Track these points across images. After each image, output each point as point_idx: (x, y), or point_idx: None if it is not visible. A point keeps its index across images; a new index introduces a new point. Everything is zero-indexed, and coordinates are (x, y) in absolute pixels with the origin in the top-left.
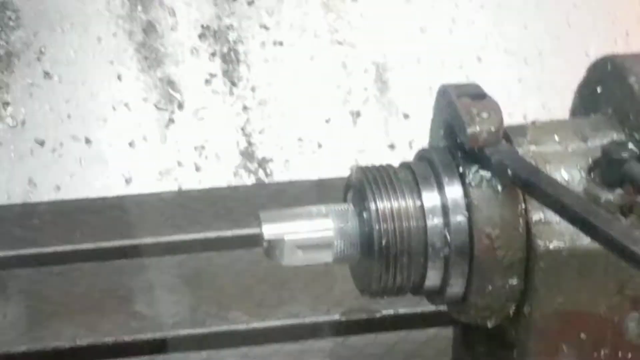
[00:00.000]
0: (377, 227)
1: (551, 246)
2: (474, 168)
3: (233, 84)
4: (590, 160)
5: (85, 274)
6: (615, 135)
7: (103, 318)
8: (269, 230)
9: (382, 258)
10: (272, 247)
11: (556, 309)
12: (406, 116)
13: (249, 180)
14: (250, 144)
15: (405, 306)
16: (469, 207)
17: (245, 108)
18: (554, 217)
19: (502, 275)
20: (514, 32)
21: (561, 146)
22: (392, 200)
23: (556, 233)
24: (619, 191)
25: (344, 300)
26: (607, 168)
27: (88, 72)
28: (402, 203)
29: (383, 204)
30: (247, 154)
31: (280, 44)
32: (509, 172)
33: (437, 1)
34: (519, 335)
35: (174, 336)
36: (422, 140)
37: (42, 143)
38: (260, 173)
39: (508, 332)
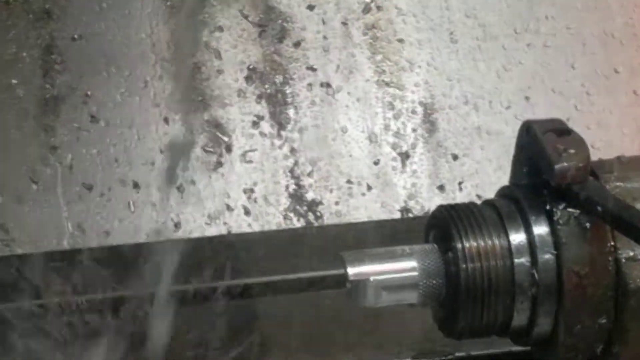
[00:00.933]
0: (463, 266)
1: None
2: (562, 205)
3: (281, 126)
4: None
5: None
6: None
7: None
8: (353, 271)
9: (469, 298)
10: (356, 289)
11: None
12: (455, 157)
13: (298, 223)
14: (299, 186)
15: (477, 349)
16: (557, 244)
17: (293, 150)
18: None
19: (591, 314)
20: (561, 71)
21: None
22: (479, 239)
23: None
24: None
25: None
26: None
27: (135, 115)
28: (489, 242)
29: (469, 243)
30: (297, 197)
31: (328, 85)
32: (599, 208)
33: (483, 42)
34: None
35: None
36: (472, 181)
37: (90, 188)
38: (310, 216)
39: None
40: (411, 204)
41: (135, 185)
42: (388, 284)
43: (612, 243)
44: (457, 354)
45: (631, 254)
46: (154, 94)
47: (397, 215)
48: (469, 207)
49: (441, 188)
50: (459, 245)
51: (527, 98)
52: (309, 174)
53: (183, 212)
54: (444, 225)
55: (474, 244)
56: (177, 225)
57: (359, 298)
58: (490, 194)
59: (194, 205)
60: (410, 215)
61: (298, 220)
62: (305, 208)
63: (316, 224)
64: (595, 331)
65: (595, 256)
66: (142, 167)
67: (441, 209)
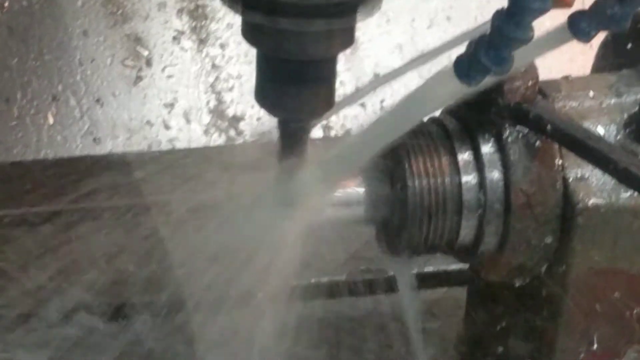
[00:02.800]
0: (410, 183)
1: (589, 203)
2: (510, 124)
3: (201, 41)
4: (626, 115)
5: None
6: None
7: None
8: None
9: (416, 215)
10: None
11: (591, 267)
12: (377, 75)
13: (219, 139)
14: (220, 102)
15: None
16: (505, 163)
17: (214, 66)
18: (591, 174)
19: (537, 233)
20: None
21: (596, 101)
22: (426, 155)
23: (594, 189)
24: None
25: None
26: None
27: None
28: (436, 159)
29: (416, 160)
30: (218, 112)
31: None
32: (548, 127)
33: None
34: (551, 295)
35: None
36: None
37: (7, 100)
38: (231, 132)
39: (537, 291)
40: (333, 120)
41: (54, 98)
42: (333, 200)
43: (561, 162)
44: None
45: (579, 173)
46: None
47: None
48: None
49: (362, 105)
50: (406, 162)
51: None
52: (230, 89)
53: (103, 127)
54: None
55: (421, 160)
56: (95, 140)
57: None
58: None
59: (114, 119)
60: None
61: (219, 135)
62: (226, 124)
63: (238, 140)
64: (541, 250)
65: (543, 175)
66: (64, 80)
67: None
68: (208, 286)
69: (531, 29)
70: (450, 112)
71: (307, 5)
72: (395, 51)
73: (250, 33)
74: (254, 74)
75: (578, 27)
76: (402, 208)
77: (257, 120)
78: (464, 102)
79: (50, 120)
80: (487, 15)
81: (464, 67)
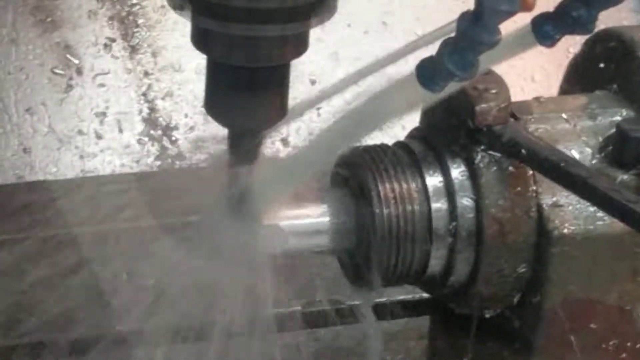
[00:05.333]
0: (377, 211)
1: (565, 231)
2: (481, 148)
3: (133, 49)
4: (600, 138)
5: None
6: (624, 112)
7: None
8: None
9: (383, 245)
10: (263, 234)
11: (566, 297)
12: (313, 82)
13: (152, 148)
14: (153, 110)
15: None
16: (476, 189)
17: (146, 73)
18: (566, 200)
19: (511, 262)
20: None
21: (570, 124)
22: (393, 182)
23: (570, 217)
24: (634, 171)
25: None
26: (621, 147)
27: None
28: (404, 185)
29: (383, 187)
30: (151, 121)
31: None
32: (523, 151)
33: None
34: (524, 326)
35: None
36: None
37: None
38: (165, 140)
39: (510, 324)
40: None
41: None
42: (297, 230)
43: (534, 188)
44: (350, 303)
45: (554, 199)
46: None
47: None
48: (382, 149)
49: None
50: (373, 189)
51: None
52: (163, 98)
53: (33, 137)
54: (355, 168)
55: (388, 187)
56: (25, 150)
57: (267, 244)
58: None
59: (45, 129)
60: None
61: (152, 145)
62: (159, 132)
63: (172, 149)
64: (514, 280)
65: (517, 202)
66: None
67: (351, 150)
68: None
69: (498, 32)
70: (417, 136)
71: (259, 10)
72: (331, 58)
73: (200, 39)
74: (187, 82)
75: (542, 30)
76: (369, 237)
77: (191, 130)
78: (431, 125)
79: None
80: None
81: (427, 73)
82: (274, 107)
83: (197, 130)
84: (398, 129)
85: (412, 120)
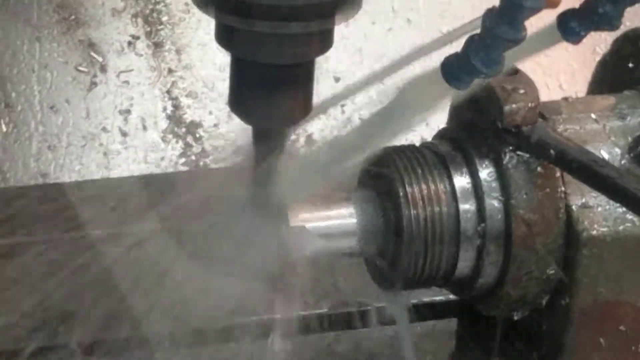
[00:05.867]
0: (406, 212)
1: (594, 232)
2: (509, 148)
3: (157, 46)
4: (630, 138)
5: None
6: None
7: None
8: (292, 217)
9: (411, 247)
10: (291, 237)
11: (596, 299)
12: (337, 79)
13: (177, 145)
14: (177, 107)
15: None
16: (504, 190)
17: (170, 71)
18: (595, 201)
19: (540, 264)
20: None
21: (599, 124)
22: (421, 183)
23: (599, 218)
24: None
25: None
26: None
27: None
28: (432, 186)
29: (411, 188)
30: (175, 119)
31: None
32: (552, 152)
33: None
34: (552, 328)
35: None
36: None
37: None
38: (189, 138)
39: (538, 326)
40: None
41: (7, 106)
42: (325, 232)
43: (563, 189)
44: (377, 305)
45: (583, 200)
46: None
47: None
48: (409, 149)
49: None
50: (401, 190)
51: None
52: (187, 95)
53: (58, 134)
54: (382, 169)
55: (416, 188)
56: (50, 148)
57: (295, 247)
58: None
59: (69, 126)
60: None
61: (177, 142)
62: (184, 130)
63: (196, 147)
64: (543, 282)
65: (546, 203)
66: (17, 87)
67: (379, 151)
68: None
69: (524, 29)
70: (445, 136)
71: (284, 7)
72: (355, 55)
73: (224, 37)
74: (211, 79)
75: (567, 26)
76: (397, 239)
77: (215, 127)
78: (459, 125)
79: (4, 128)
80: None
81: (453, 69)
82: (298, 105)
83: (222, 127)
84: (422, 128)
85: (437, 119)
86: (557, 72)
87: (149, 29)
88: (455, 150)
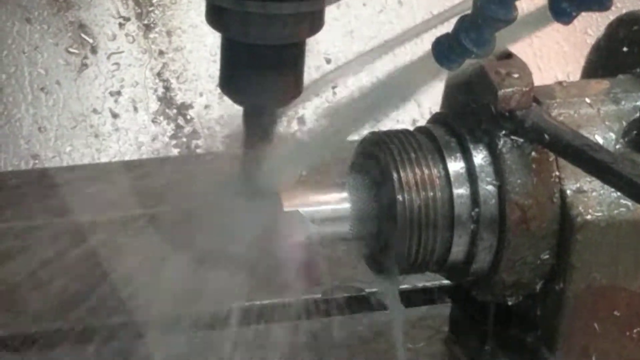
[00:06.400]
0: (399, 197)
1: (589, 217)
2: (503, 133)
3: (148, 27)
4: (624, 123)
5: None
6: None
7: None
8: (286, 202)
9: (405, 231)
10: (285, 221)
11: (590, 284)
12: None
13: (168, 127)
14: (168, 89)
15: None
16: (499, 174)
17: (161, 52)
18: (590, 186)
19: (534, 249)
20: None
21: (593, 109)
22: (415, 167)
23: (593, 203)
24: None
25: None
26: None
27: None
28: (426, 171)
29: (405, 172)
30: (166, 100)
31: None
32: (546, 136)
33: None
34: (546, 313)
35: None
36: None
37: None
38: (180, 120)
39: (531, 311)
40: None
41: None
42: (318, 217)
43: (557, 173)
44: (368, 290)
45: (577, 185)
46: None
47: None
48: (402, 134)
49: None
50: (394, 175)
51: None
52: (178, 77)
53: (48, 116)
54: (375, 153)
55: (410, 173)
56: (40, 130)
57: (289, 231)
58: None
59: (60, 108)
60: None
61: (168, 123)
62: (174, 111)
63: (187, 128)
64: (538, 267)
65: (540, 188)
66: (7, 69)
67: (372, 135)
68: None
69: (515, 9)
70: (439, 120)
71: None
72: (347, 36)
73: (215, 17)
74: (202, 61)
75: (558, 7)
76: (390, 224)
77: (206, 108)
78: (453, 110)
79: None
80: None
81: (444, 50)
82: (289, 85)
83: (213, 109)
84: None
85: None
86: (548, 53)
87: (139, 10)
88: (449, 134)
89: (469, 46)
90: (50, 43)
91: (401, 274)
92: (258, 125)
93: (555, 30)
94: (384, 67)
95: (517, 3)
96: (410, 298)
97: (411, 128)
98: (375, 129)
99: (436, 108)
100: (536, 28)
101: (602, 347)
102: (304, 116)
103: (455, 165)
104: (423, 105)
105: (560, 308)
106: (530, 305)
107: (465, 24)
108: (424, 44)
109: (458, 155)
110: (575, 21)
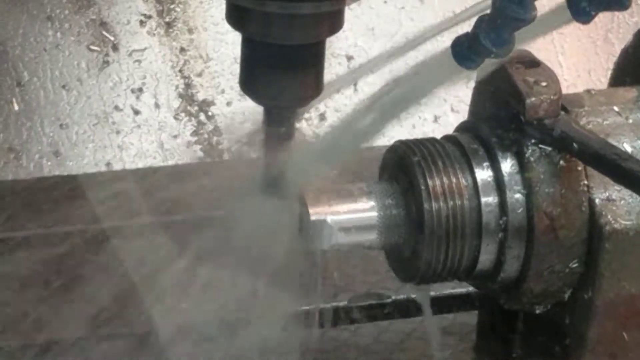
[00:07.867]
0: (427, 206)
1: (618, 226)
2: (532, 141)
3: (169, 25)
4: None
5: None
6: None
7: None
8: (313, 210)
9: (433, 240)
10: (311, 230)
11: (619, 293)
12: (349, 59)
13: (189, 124)
14: (189, 86)
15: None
16: (527, 183)
17: (182, 50)
18: (618, 195)
19: (562, 258)
20: None
21: (622, 117)
22: (443, 176)
23: (622, 212)
24: None
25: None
26: None
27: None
28: (454, 179)
29: (433, 181)
30: (187, 97)
31: None
32: (574, 145)
33: None
34: (575, 322)
35: None
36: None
37: None
38: (202, 116)
39: (560, 320)
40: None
41: (19, 85)
42: (345, 225)
43: (586, 182)
44: (394, 297)
45: (606, 194)
46: None
47: None
48: (431, 142)
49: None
50: (422, 184)
51: None
52: (199, 74)
53: (70, 113)
54: (403, 162)
55: (438, 182)
56: (62, 126)
57: (315, 240)
58: None
59: (81, 105)
60: None
61: (189, 120)
62: (196, 108)
63: (209, 125)
64: (566, 276)
65: (569, 196)
66: (29, 66)
67: (400, 143)
68: None
69: (534, 9)
70: (466, 129)
71: None
72: (368, 34)
73: (235, 17)
74: (223, 58)
75: (578, 6)
76: (418, 232)
77: (228, 105)
78: (480, 118)
79: (16, 107)
80: None
81: (463, 50)
82: (310, 85)
83: (234, 106)
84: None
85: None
86: (570, 51)
87: (160, 8)
88: (476, 143)
89: (488, 46)
90: (71, 41)
91: (428, 282)
92: (279, 125)
93: (577, 27)
94: (405, 64)
95: (536, 2)
96: (437, 305)
97: (433, 125)
98: (397, 127)
99: (457, 104)
100: (555, 27)
101: (631, 356)
102: (325, 113)
103: (483, 174)
104: (447, 102)
105: (589, 317)
106: (559, 314)
107: (485, 24)
108: (445, 42)
109: (486, 163)
110: (597, 19)
